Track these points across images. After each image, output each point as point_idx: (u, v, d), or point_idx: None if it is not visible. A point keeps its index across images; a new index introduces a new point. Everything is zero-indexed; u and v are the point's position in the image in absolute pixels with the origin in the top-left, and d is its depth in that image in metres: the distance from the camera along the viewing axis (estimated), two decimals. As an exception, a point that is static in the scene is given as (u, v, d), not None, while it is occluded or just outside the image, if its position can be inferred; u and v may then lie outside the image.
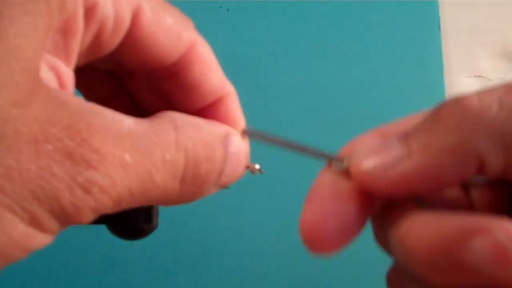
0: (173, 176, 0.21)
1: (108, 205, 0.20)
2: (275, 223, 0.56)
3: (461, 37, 0.63)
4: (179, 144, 0.22)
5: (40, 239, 0.20)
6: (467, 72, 0.63)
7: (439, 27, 0.62)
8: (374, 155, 0.20)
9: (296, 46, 0.60)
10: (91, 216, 0.20)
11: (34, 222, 0.19)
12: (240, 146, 0.25)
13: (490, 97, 0.19)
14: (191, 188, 0.22)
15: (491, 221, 0.17)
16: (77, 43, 0.21)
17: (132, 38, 0.23)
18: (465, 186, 0.21)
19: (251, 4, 0.60)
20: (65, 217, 0.19)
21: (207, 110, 0.26)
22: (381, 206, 0.21)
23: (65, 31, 0.20)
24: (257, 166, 0.26)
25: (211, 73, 0.26)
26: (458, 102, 0.19)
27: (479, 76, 0.63)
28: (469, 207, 0.21)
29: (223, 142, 0.24)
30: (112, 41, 0.23)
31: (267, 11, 0.61)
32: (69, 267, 0.54)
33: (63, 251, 0.53)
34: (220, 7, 0.60)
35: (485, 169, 0.19)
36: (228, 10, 0.60)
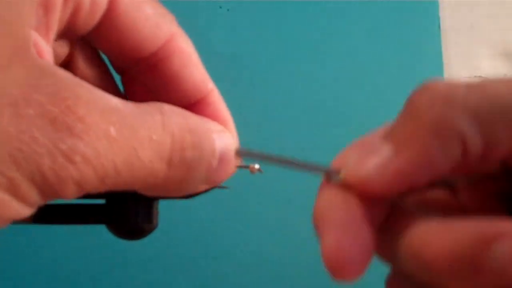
0: (160, 157, 0.21)
1: (91, 179, 0.19)
2: (275, 223, 0.56)
3: (461, 37, 0.63)
4: (165, 127, 0.21)
5: (18, 209, 0.19)
6: (467, 72, 0.62)
7: (439, 27, 0.62)
8: (366, 160, 0.20)
9: (296, 46, 0.60)
10: (74, 190, 0.19)
11: (12, 189, 0.18)
12: (230, 143, 0.24)
13: (457, 82, 0.19)
14: (178, 173, 0.22)
15: (508, 224, 0.17)
16: (56, 20, 0.21)
17: (108, 23, 0.23)
18: (453, 187, 0.22)
19: (251, 4, 0.60)
20: (46, 187, 0.18)
21: (194, 109, 0.26)
22: (384, 219, 0.21)
23: (46, 7, 0.20)
24: (257, 166, 0.26)
25: (191, 68, 0.25)
26: (427, 86, 0.20)
27: (479, 76, 0.63)
28: (460, 210, 0.21)
29: (212, 136, 0.23)
30: (88, 23, 0.23)
31: (267, 11, 0.61)
32: (69, 267, 0.54)
33: (63, 251, 0.53)
34: (220, 7, 0.60)
35: (468, 151, 0.19)
36: (228, 10, 0.60)
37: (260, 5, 0.61)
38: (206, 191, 0.26)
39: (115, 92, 0.27)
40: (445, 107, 0.19)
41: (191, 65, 0.25)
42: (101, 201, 0.27)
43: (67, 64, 0.25)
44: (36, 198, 0.19)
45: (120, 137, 0.20)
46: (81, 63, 0.26)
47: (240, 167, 0.26)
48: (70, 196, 0.19)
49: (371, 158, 0.20)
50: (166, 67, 0.25)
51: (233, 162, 0.25)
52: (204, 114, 0.26)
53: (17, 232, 0.53)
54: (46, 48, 0.21)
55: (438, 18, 0.62)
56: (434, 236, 0.18)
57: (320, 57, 0.60)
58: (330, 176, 0.21)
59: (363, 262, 0.19)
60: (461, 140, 0.19)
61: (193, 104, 0.26)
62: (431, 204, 0.22)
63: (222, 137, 0.24)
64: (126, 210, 0.27)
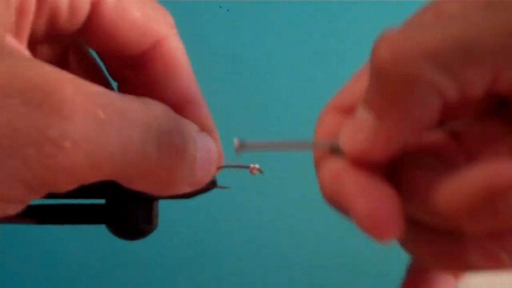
0: (150, 139, 0.20)
1: (84, 167, 0.18)
2: (275, 223, 0.56)
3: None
4: (151, 112, 0.21)
5: (3, 208, 0.18)
6: (467, 72, 0.62)
7: (439, 27, 0.62)
8: (356, 136, 0.20)
9: (296, 46, 0.60)
10: (67, 180, 0.18)
11: None
12: (210, 142, 0.24)
13: (411, 25, 0.19)
14: (167, 158, 0.21)
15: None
16: (29, 24, 0.21)
17: (92, 26, 0.23)
18: (454, 132, 0.22)
19: (251, 4, 0.60)
20: (34, 181, 0.18)
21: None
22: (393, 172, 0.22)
23: (20, 10, 0.20)
24: (257, 166, 0.26)
25: (176, 74, 0.25)
26: (385, 40, 0.20)
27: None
28: (466, 153, 0.22)
29: (192, 132, 0.23)
30: (69, 27, 0.23)
31: (267, 11, 0.61)
32: (69, 267, 0.54)
33: (63, 251, 0.54)
34: (220, 7, 0.60)
35: (446, 98, 0.19)
36: (228, 10, 0.60)
37: (260, 5, 0.61)
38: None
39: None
40: (408, 62, 0.18)
41: (176, 71, 0.25)
42: (101, 201, 0.27)
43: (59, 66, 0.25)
44: (23, 194, 0.18)
45: (110, 120, 0.19)
46: (74, 66, 0.26)
47: (240, 167, 0.26)
48: (63, 187, 0.19)
49: (360, 133, 0.20)
50: (149, 70, 0.25)
51: (215, 164, 0.24)
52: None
53: (17, 232, 0.53)
54: (21, 47, 0.21)
55: (438, 18, 0.62)
56: (453, 188, 0.18)
57: (320, 57, 0.60)
58: (332, 150, 0.22)
59: (398, 218, 0.19)
60: (436, 91, 0.19)
61: (177, 111, 0.26)
62: (435, 152, 0.22)
63: (202, 136, 0.24)
64: (126, 210, 0.27)
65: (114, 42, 0.24)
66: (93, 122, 0.18)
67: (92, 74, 0.26)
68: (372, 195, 0.20)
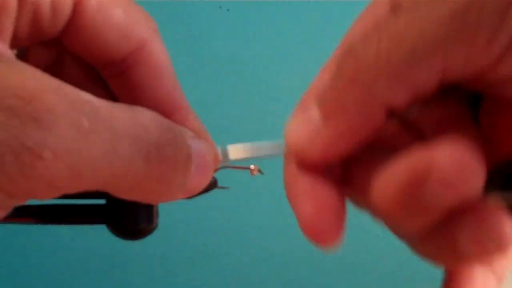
0: (138, 152, 0.19)
1: (65, 178, 0.18)
2: (275, 224, 0.56)
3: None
4: (141, 122, 0.20)
5: None
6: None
7: (439, 27, 0.62)
8: (301, 129, 0.20)
9: (296, 46, 0.60)
10: (47, 190, 0.18)
11: None
12: (205, 148, 0.23)
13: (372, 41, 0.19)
14: (156, 170, 0.20)
15: (440, 151, 0.17)
16: (11, 23, 0.21)
17: (75, 28, 0.23)
18: (407, 119, 0.22)
19: (251, 4, 0.60)
20: (15, 189, 0.17)
21: None
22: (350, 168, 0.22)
23: (0, 8, 0.20)
24: (257, 167, 0.26)
25: (159, 80, 0.25)
26: (353, 49, 0.19)
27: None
28: (422, 139, 0.22)
29: (186, 139, 0.22)
30: (53, 27, 0.22)
31: (267, 11, 0.61)
32: (69, 267, 0.54)
33: (63, 251, 0.54)
34: (220, 7, 0.60)
35: (392, 112, 0.19)
36: (228, 10, 0.60)
37: (260, 5, 0.61)
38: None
39: (106, 97, 0.27)
40: (367, 76, 0.18)
41: (158, 77, 0.25)
42: (101, 201, 0.27)
43: (53, 69, 0.25)
44: (6, 201, 0.18)
45: (94, 129, 0.18)
46: (69, 70, 0.25)
47: (240, 168, 0.26)
48: (44, 197, 0.18)
49: (304, 127, 0.20)
50: (132, 75, 0.24)
51: (211, 170, 0.24)
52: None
53: (17, 232, 0.53)
54: (3, 47, 0.20)
55: (438, 18, 0.62)
56: (381, 182, 0.18)
57: (320, 57, 0.60)
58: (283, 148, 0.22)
59: (339, 225, 0.20)
60: (385, 107, 0.19)
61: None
62: (390, 142, 0.22)
63: (197, 142, 0.23)
64: (126, 210, 0.27)
65: (97, 44, 0.23)
66: (76, 132, 0.18)
67: (89, 79, 0.26)
68: (313, 201, 0.20)
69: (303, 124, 0.20)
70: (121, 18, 0.23)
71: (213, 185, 0.27)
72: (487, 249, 0.18)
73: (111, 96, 0.26)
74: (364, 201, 0.21)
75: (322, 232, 0.19)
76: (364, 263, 0.56)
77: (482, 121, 0.22)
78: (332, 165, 0.21)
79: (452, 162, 0.16)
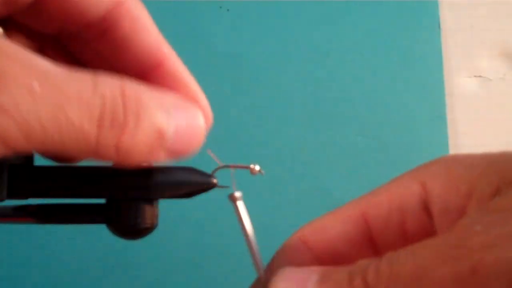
0: (89, 117, 0.20)
1: (15, 134, 0.19)
2: (275, 224, 0.56)
3: (461, 37, 0.63)
4: (97, 89, 0.21)
5: None
6: (467, 72, 0.62)
7: (439, 27, 0.62)
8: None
9: (296, 46, 0.60)
10: None
11: None
12: (190, 115, 0.23)
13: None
14: (110, 137, 0.21)
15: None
16: None
17: None
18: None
19: (251, 4, 0.60)
20: None
21: (151, 78, 0.25)
22: None
23: None
24: (257, 167, 0.26)
25: (143, 32, 0.25)
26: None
27: (479, 76, 0.63)
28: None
29: (155, 111, 0.22)
30: None
31: (267, 11, 0.61)
32: (69, 267, 0.54)
33: (63, 251, 0.53)
34: (220, 7, 0.60)
35: None
36: (228, 10, 0.60)
37: (260, 5, 0.61)
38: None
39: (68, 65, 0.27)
40: None
41: (142, 29, 0.25)
42: (101, 201, 0.27)
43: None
44: None
45: (45, 93, 0.19)
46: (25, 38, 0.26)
47: (240, 167, 0.26)
48: None
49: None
50: (115, 32, 0.25)
51: (198, 135, 0.24)
52: (164, 83, 0.25)
53: (17, 232, 0.53)
54: None
55: (438, 18, 0.62)
56: None
57: (320, 56, 0.60)
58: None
59: None
60: None
61: (150, 72, 0.25)
62: None
63: (179, 111, 0.23)
64: (126, 210, 0.27)
65: (73, 5, 0.24)
66: (27, 94, 0.19)
67: (51, 48, 0.26)
68: None
69: (296, 283, 0.22)
70: None
71: (212, 185, 0.27)
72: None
73: (78, 65, 0.26)
74: None
75: None
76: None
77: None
78: None
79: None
